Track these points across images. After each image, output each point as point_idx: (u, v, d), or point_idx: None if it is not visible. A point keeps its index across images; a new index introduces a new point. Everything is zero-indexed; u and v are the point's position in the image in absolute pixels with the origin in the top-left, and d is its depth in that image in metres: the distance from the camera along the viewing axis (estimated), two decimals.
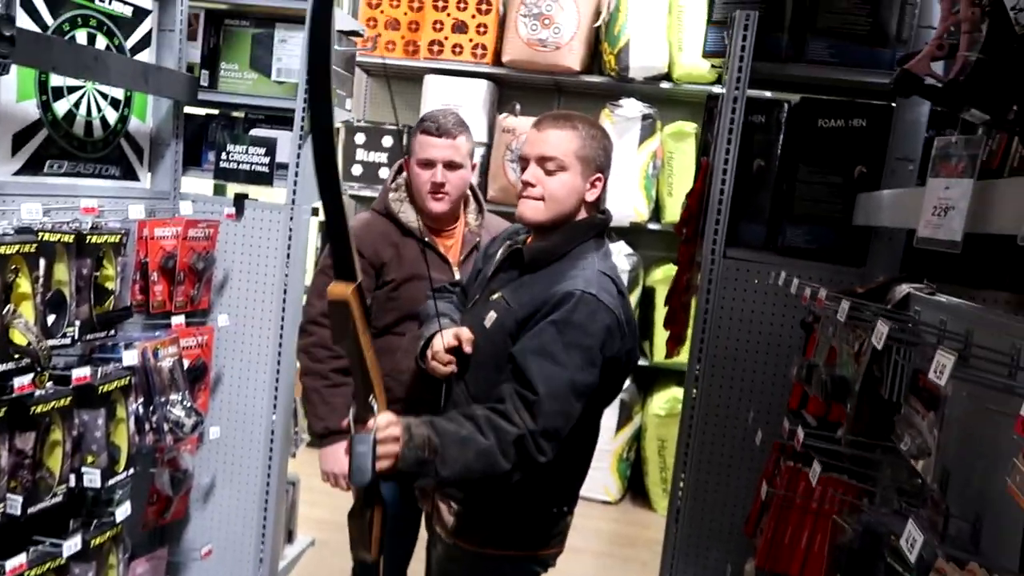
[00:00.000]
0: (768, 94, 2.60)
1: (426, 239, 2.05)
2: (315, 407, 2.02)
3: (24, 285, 1.65)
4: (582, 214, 1.65)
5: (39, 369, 1.66)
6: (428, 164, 2.02)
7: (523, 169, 1.65)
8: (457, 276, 2.07)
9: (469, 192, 2.18)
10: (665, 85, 4.25)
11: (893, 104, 2.24)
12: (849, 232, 2.24)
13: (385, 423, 1.41)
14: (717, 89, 3.73)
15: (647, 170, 4.52)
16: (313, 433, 2.05)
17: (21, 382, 1.62)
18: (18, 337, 1.61)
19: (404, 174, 2.14)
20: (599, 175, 1.63)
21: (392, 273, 2.03)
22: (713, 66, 2.99)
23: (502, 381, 1.52)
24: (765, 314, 2.24)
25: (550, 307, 1.52)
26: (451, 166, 2.02)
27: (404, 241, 2.06)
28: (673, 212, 4.30)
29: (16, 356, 1.61)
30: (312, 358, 2.03)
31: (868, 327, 1.44)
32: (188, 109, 2.67)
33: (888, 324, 1.21)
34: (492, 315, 1.61)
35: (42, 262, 1.70)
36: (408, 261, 2.03)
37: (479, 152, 4.51)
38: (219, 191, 2.93)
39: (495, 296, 1.65)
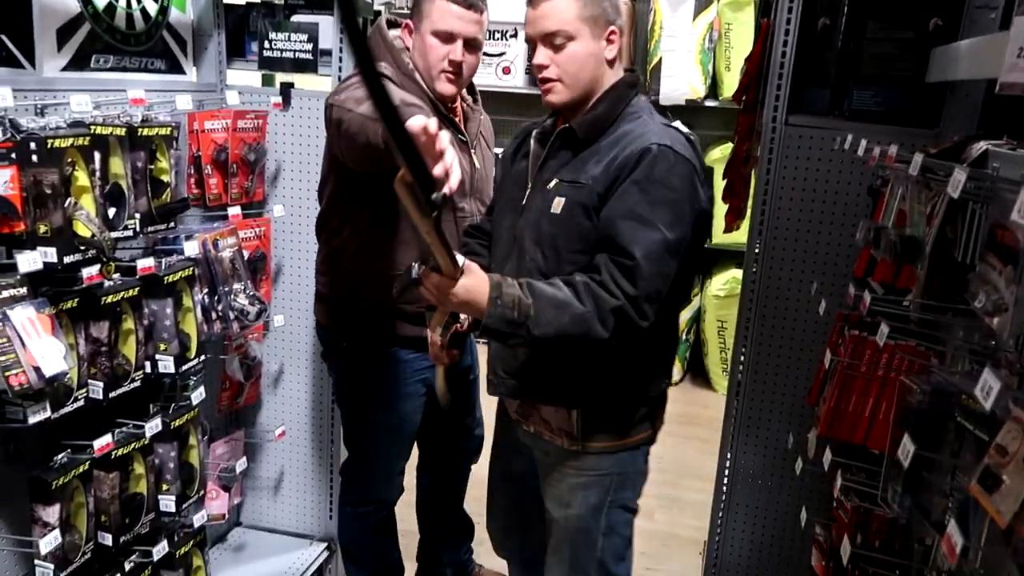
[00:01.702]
0: None
1: (442, 110, 1.89)
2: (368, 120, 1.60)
3: (82, 178, 1.67)
4: (611, 75, 1.58)
5: (105, 259, 1.70)
6: (447, 38, 1.80)
7: (532, 53, 1.56)
8: (475, 159, 1.96)
9: None
10: None
11: None
12: (921, 91, 2.10)
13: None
14: None
15: (703, 43, 4.32)
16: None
17: (89, 273, 1.67)
18: (81, 229, 1.65)
19: (396, 34, 1.91)
20: (612, 28, 1.54)
21: None
22: None
23: (585, 261, 1.49)
24: (830, 182, 2.15)
25: (629, 168, 1.46)
26: (472, 45, 1.83)
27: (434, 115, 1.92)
28: (731, 87, 4.12)
29: (81, 248, 1.65)
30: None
31: (942, 185, 1.36)
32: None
33: (965, 172, 1.13)
34: (559, 200, 1.54)
35: (97, 155, 1.71)
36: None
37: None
38: (267, 82, 2.89)
39: (552, 184, 1.57)
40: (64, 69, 1.92)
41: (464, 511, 2.53)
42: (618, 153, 1.50)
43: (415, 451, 2.36)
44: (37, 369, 1.53)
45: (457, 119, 1.97)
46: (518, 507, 1.91)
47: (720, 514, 2.39)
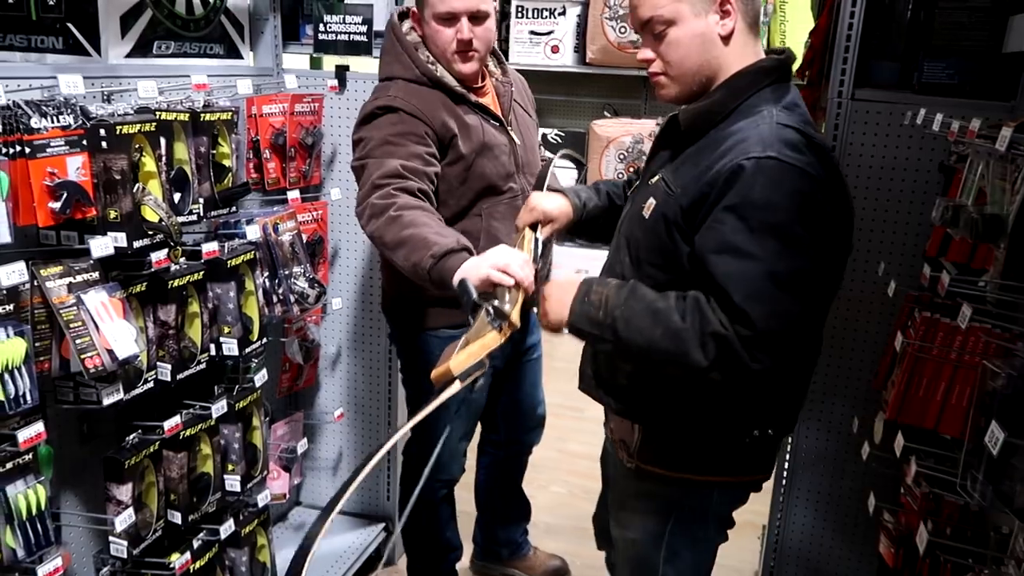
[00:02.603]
0: None
1: (471, 99, 1.86)
2: (417, 243, 1.57)
3: (149, 164, 1.70)
4: (734, 53, 1.32)
5: (172, 244, 1.73)
6: (449, 19, 1.76)
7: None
8: (514, 135, 1.93)
9: None
10: None
11: None
12: (997, 62, 2.02)
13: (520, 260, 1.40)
14: None
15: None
16: (426, 268, 1.56)
17: (157, 257, 1.70)
18: (150, 214, 1.67)
19: (410, 26, 1.90)
20: None
21: (464, 146, 1.83)
22: None
23: (670, 282, 1.30)
24: (898, 159, 2.08)
25: (720, 188, 1.23)
26: (477, 17, 1.76)
27: (459, 109, 1.85)
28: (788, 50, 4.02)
29: (149, 232, 1.68)
30: (382, 210, 1.64)
31: None
32: None
33: None
34: (651, 202, 1.35)
35: (163, 141, 1.74)
36: (473, 132, 1.84)
37: (574, 12, 4.33)
38: (315, 64, 2.90)
39: (654, 179, 1.39)
40: (128, 56, 1.95)
41: (522, 492, 2.54)
42: (714, 162, 1.26)
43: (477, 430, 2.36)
44: (110, 352, 1.56)
45: (488, 96, 1.95)
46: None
47: (781, 498, 2.36)
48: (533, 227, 1.59)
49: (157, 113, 1.73)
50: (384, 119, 1.80)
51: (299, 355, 2.48)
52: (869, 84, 2.13)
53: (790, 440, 2.33)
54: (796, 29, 4.03)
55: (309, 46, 2.55)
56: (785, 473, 2.33)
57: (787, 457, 2.33)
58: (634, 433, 1.46)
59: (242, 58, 2.36)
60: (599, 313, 1.30)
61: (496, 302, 1.36)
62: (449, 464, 2.23)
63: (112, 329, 1.57)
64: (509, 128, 1.94)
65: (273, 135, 2.28)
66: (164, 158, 1.75)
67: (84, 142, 1.54)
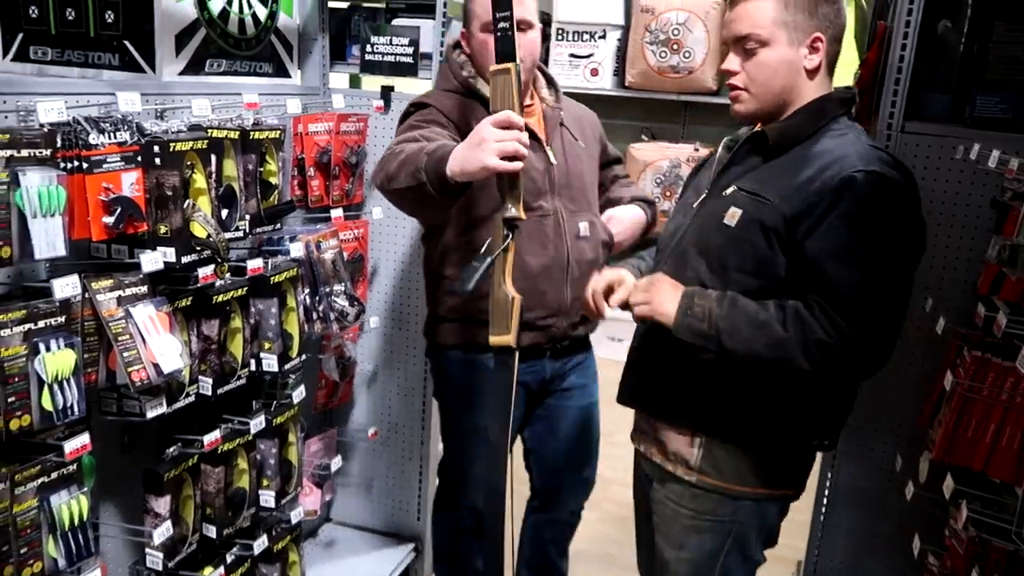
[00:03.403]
0: None
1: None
2: (413, 156, 1.64)
3: (200, 180, 1.72)
4: (813, 87, 1.43)
5: (219, 260, 1.74)
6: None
7: (726, 55, 1.49)
8: (551, 155, 1.91)
9: (537, 69, 1.97)
10: None
11: None
12: None
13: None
14: None
15: None
16: (422, 166, 1.60)
17: (204, 272, 1.72)
18: (198, 230, 1.69)
19: (463, 48, 1.93)
20: (816, 35, 1.39)
21: None
22: None
23: (762, 288, 1.38)
24: (948, 193, 2.05)
25: (830, 198, 1.32)
26: (522, 28, 1.78)
27: None
28: (853, 90, 3.99)
29: (197, 248, 1.70)
30: (386, 159, 1.74)
31: None
32: (331, 3, 2.66)
33: None
34: (735, 211, 1.41)
35: (213, 158, 1.76)
36: None
37: (615, 36, 4.33)
38: (354, 83, 2.93)
39: (730, 190, 1.45)
40: (181, 73, 1.98)
41: (557, 566, 2.29)
42: (816, 175, 1.35)
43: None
44: (156, 365, 1.57)
45: (535, 118, 1.95)
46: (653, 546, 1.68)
47: (819, 533, 2.31)
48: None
49: (209, 131, 1.76)
50: (416, 113, 1.91)
51: (336, 372, 2.49)
52: (919, 117, 2.11)
53: (829, 474, 2.28)
54: (842, 63, 4.00)
55: (355, 66, 2.59)
56: (824, 508, 2.28)
57: (826, 491, 2.28)
58: (694, 446, 1.50)
59: (290, 76, 2.40)
60: (703, 325, 1.37)
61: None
62: (475, 492, 2.15)
63: (158, 343, 1.58)
64: (548, 148, 1.94)
65: (318, 153, 2.31)
66: (214, 175, 1.77)
67: (139, 158, 1.56)
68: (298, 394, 2.15)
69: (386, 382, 2.66)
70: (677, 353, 1.46)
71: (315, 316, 2.20)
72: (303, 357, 2.12)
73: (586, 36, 4.44)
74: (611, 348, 4.49)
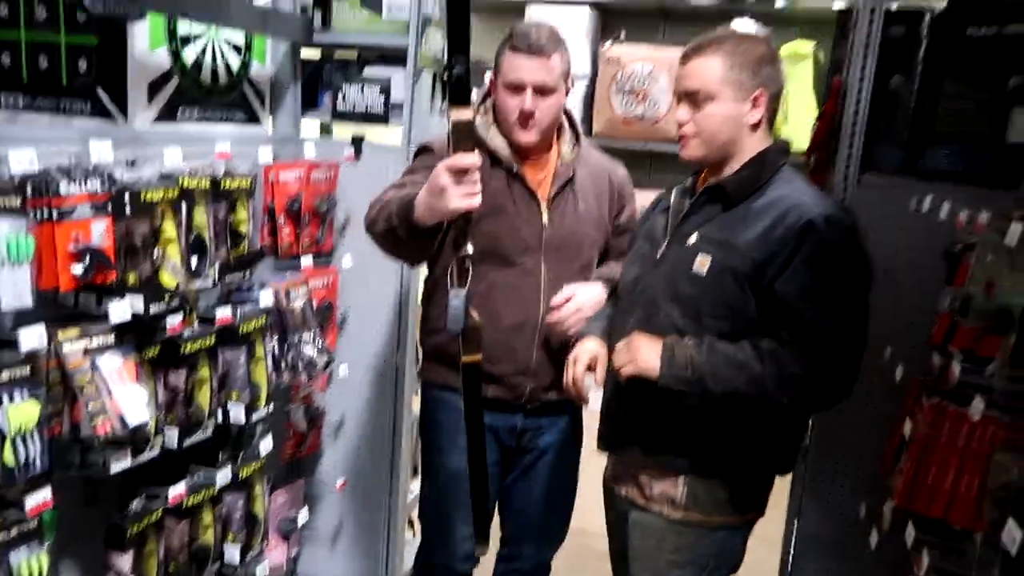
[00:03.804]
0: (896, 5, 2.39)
1: (515, 169, 1.88)
2: (392, 201, 1.76)
3: (170, 229, 1.72)
4: (755, 140, 1.57)
5: (187, 310, 1.74)
6: (516, 88, 1.81)
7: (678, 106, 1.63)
8: (545, 215, 1.90)
9: (564, 119, 1.98)
10: (779, 3, 4.03)
11: None
12: (1001, 151, 2.06)
13: (587, 350, 1.68)
14: (840, 4, 3.50)
15: None
16: (408, 214, 1.69)
17: (172, 322, 1.71)
18: (167, 279, 1.69)
19: (492, 97, 1.94)
20: (759, 92, 1.53)
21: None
22: None
23: (735, 333, 1.50)
24: (903, 242, 2.12)
25: (794, 242, 1.45)
26: (543, 91, 1.81)
27: (492, 171, 1.86)
28: (791, 140, 4.10)
29: (167, 297, 1.69)
30: (372, 206, 1.84)
31: None
32: (303, 53, 2.69)
33: None
34: (704, 259, 1.52)
35: (184, 207, 1.76)
36: (492, 192, 1.81)
37: (582, 84, 4.42)
38: (325, 132, 2.95)
39: (693, 239, 1.57)
40: (154, 121, 1.99)
41: None
42: (776, 221, 1.48)
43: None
44: (121, 417, 1.55)
45: (542, 172, 1.93)
46: None
47: None
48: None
49: (180, 180, 1.76)
50: (418, 158, 1.99)
51: (304, 422, 2.46)
52: (874, 169, 2.19)
53: (795, 522, 2.30)
54: (798, 108, 4.11)
55: (326, 114, 2.61)
56: (791, 557, 2.30)
57: (793, 540, 2.30)
58: (678, 485, 1.59)
59: (261, 124, 2.42)
60: (687, 372, 1.48)
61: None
62: (440, 549, 2.12)
63: (124, 394, 1.56)
64: (546, 207, 1.91)
65: (289, 201, 2.31)
66: (184, 223, 1.77)
67: (109, 207, 1.56)
68: (265, 445, 2.12)
69: (354, 431, 2.63)
70: (654, 400, 1.55)
71: (284, 365, 2.19)
72: (271, 407, 2.10)
73: None
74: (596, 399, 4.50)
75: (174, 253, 1.73)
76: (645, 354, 1.53)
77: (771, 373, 1.45)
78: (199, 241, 1.85)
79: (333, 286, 2.48)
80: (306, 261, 2.28)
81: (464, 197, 1.54)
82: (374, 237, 1.85)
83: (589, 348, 1.75)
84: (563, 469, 2.11)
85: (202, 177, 1.84)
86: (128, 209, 1.60)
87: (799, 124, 4.03)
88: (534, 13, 4.34)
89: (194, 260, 1.83)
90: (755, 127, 1.56)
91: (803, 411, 1.58)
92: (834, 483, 2.25)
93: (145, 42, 1.93)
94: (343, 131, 2.59)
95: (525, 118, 1.83)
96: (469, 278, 1.67)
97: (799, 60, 4.23)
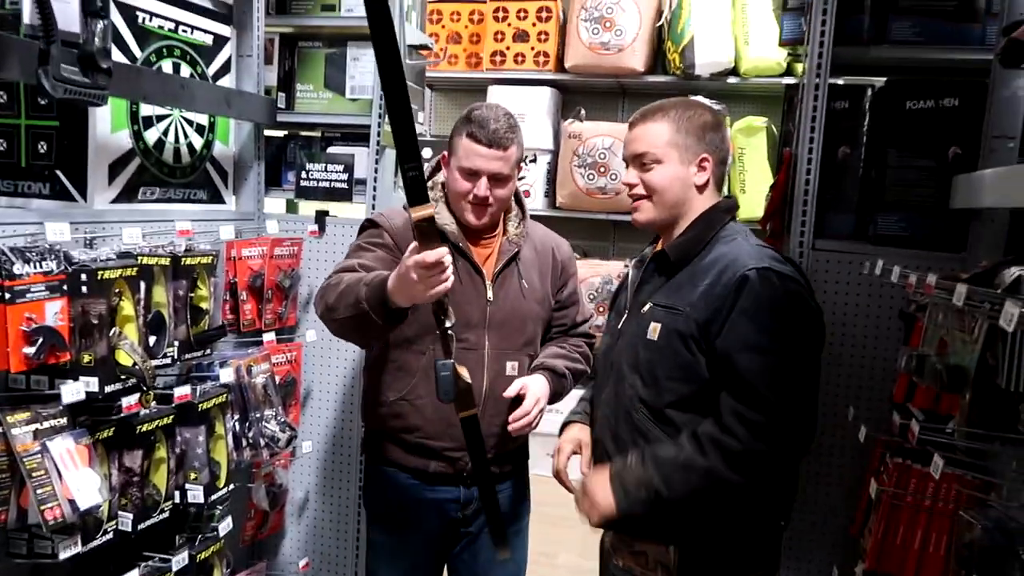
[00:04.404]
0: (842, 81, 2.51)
1: (460, 245, 1.88)
2: (352, 286, 1.69)
3: (128, 308, 1.70)
4: (702, 200, 1.61)
5: (144, 389, 1.71)
6: (471, 174, 1.83)
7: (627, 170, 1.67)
8: (490, 291, 1.90)
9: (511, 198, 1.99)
10: (732, 80, 4.16)
11: (986, 81, 2.14)
12: (946, 217, 2.14)
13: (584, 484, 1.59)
14: (788, 80, 3.65)
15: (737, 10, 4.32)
16: (363, 296, 1.66)
17: (128, 402, 1.67)
18: (124, 358, 1.66)
19: (443, 172, 1.95)
20: (704, 156, 1.59)
21: None
22: (790, 54, 2.91)
23: (693, 393, 1.51)
24: (860, 306, 2.16)
25: (731, 297, 1.47)
26: (497, 180, 1.83)
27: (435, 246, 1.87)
28: (748, 208, 4.19)
29: (123, 377, 1.66)
30: (324, 289, 1.78)
31: (985, 312, 1.37)
32: (267, 131, 2.74)
33: (1019, 305, 1.14)
34: (656, 326, 1.55)
35: (142, 285, 1.75)
36: None
37: (545, 160, 4.52)
38: (291, 209, 2.97)
39: (647, 307, 1.60)
40: (114, 201, 1.99)
41: None
42: (715, 280, 1.50)
43: None
44: (72, 502, 1.50)
45: (488, 249, 1.95)
46: None
47: None
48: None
49: (139, 258, 1.76)
50: (365, 233, 1.96)
51: (266, 501, 2.40)
52: (827, 235, 2.25)
53: None
54: (755, 178, 4.22)
55: (290, 191, 2.64)
56: None
57: None
58: (670, 554, 1.58)
59: (224, 203, 2.43)
60: (641, 493, 1.47)
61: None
62: None
63: (76, 478, 1.52)
64: (491, 283, 1.91)
65: (251, 277, 2.31)
66: (143, 301, 1.76)
67: (64, 287, 1.55)
68: (225, 526, 2.06)
69: (319, 510, 2.57)
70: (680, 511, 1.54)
71: (245, 443, 2.15)
72: (231, 487, 2.05)
73: None
74: (551, 464, 4.44)
75: (132, 332, 1.72)
76: (600, 497, 1.54)
77: (716, 459, 1.43)
78: (158, 319, 1.84)
79: (297, 361, 2.46)
80: (268, 336, 2.27)
81: (438, 284, 1.54)
82: (332, 323, 1.77)
83: (572, 436, 1.77)
84: (510, 536, 2.05)
85: (161, 255, 1.84)
86: (84, 288, 1.59)
87: (756, 194, 4.14)
88: (496, 92, 4.46)
89: (153, 338, 1.82)
90: (702, 188, 1.61)
91: (765, 478, 1.48)
92: (807, 547, 2.22)
93: (107, 124, 1.95)
94: (308, 208, 2.61)
95: (479, 203, 1.86)
96: (454, 349, 1.67)
97: (754, 133, 4.37)
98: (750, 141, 4.39)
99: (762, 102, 4.29)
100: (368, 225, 1.98)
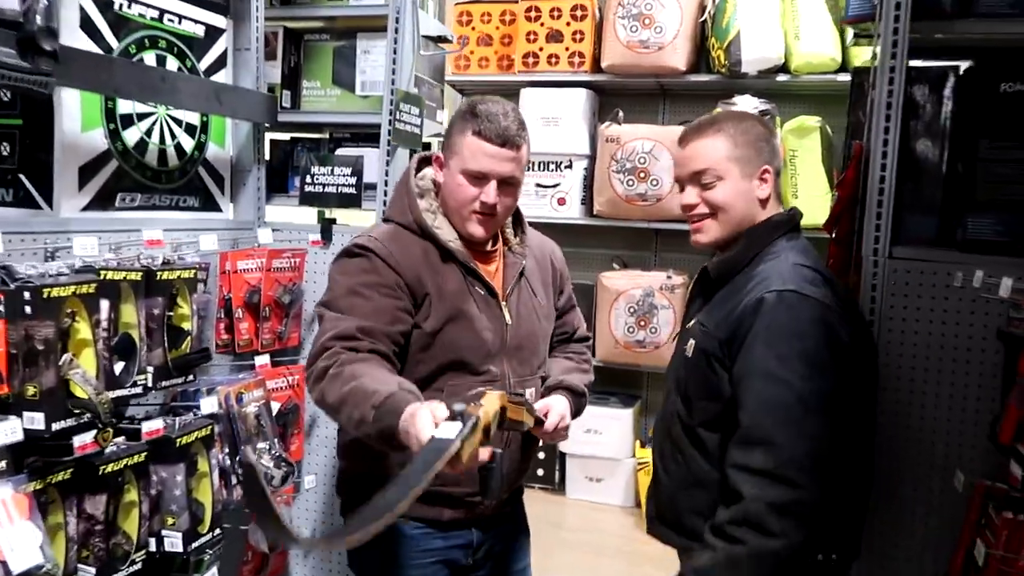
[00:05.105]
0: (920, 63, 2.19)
1: (470, 265, 1.60)
2: (358, 395, 1.37)
3: (84, 330, 1.47)
4: (765, 214, 1.55)
5: (100, 425, 1.46)
6: (479, 178, 1.56)
7: (680, 192, 1.59)
8: (507, 315, 1.64)
9: None
10: (782, 78, 3.88)
11: None
12: None
13: None
14: (842, 77, 3.33)
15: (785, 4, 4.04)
16: (370, 422, 1.35)
17: (81, 441, 1.44)
18: (77, 390, 1.42)
19: (430, 171, 1.68)
20: (765, 168, 1.53)
21: (435, 310, 1.56)
22: (857, 34, 2.59)
23: (721, 413, 1.44)
24: (948, 324, 1.83)
25: (748, 319, 1.40)
26: (508, 184, 1.58)
27: (444, 268, 1.60)
28: (797, 210, 3.89)
29: (76, 411, 1.42)
30: (324, 371, 1.44)
31: None
32: (274, 135, 2.51)
33: None
34: (692, 343, 1.51)
35: (104, 304, 1.52)
36: (449, 295, 1.57)
37: (581, 165, 4.26)
38: (321, 217, 2.74)
39: (691, 324, 1.57)
40: (85, 209, 1.77)
41: None
42: (741, 300, 1.44)
43: None
44: (4, 564, 1.26)
45: (493, 264, 1.69)
46: None
47: None
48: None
49: (102, 273, 1.52)
50: (356, 263, 1.57)
51: (264, 543, 2.15)
52: (905, 240, 1.92)
53: None
54: (808, 183, 3.91)
55: (296, 198, 2.40)
56: None
57: None
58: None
59: (220, 211, 2.20)
60: None
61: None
62: None
63: (9, 535, 1.28)
64: (504, 305, 1.66)
65: (247, 292, 2.08)
66: (104, 323, 1.52)
67: (2, 308, 1.31)
68: None
69: (325, 552, 2.31)
70: (687, 496, 1.51)
71: (235, 480, 1.90)
72: (217, 532, 1.80)
73: (552, 166, 4.36)
74: (591, 488, 4.15)
75: (88, 358, 1.48)
76: None
77: (753, 540, 1.32)
78: (126, 342, 1.60)
79: (300, 385, 2.21)
80: (263, 360, 2.02)
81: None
82: (320, 406, 1.47)
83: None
84: (520, 570, 1.84)
85: (130, 269, 1.61)
86: (27, 308, 1.35)
87: (810, 199, 3.83)
88: (529, 96, 4.23)
89: (119, 365, 1.58)
90: (764, 202, 1.54)
91: (808, 516, 1.34)
92: None
93: (76, 123, 1.74)
94: (312, 216, 2.37)
95: (487, 211, 1.58)
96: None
97: (806, 134, 4.06)
98: (802, 142, 4.08)
99: (814, 101, 3.99)
100: (358, 252, 1.58)
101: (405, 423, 1.27)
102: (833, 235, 2.12)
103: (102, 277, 1.52)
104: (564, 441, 1.70)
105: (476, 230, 1.60)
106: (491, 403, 1.23)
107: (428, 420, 1.21)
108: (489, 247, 1.67)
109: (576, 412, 1.71)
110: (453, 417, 1.18)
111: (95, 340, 1.49)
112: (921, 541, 1.85)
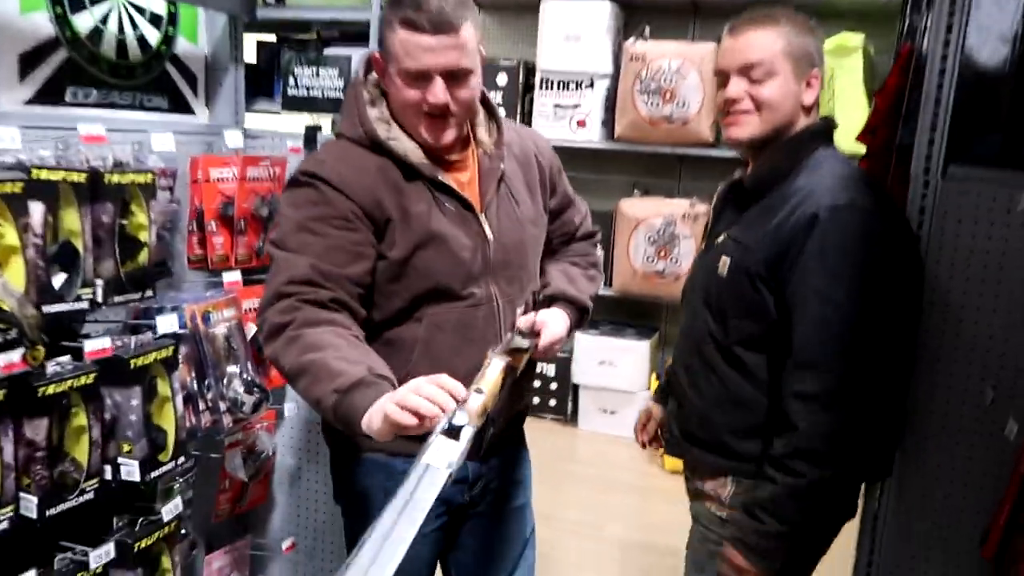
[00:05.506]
0: None
1: (438, 178, 1.39)
2: (319, 371, 1.23)
3: (9, 235, 1.29)
4: (805, 121, 1.47)
5: (28, 343, 1.30)
6: (420, 77, 1.32)
7: (721, 86, 1.47)
8: (488, 229, 1.44)
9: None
10: None
11: None
12: None
13: None
14: None
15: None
16: (329, 406, 1.22)
17: (8, 359, 1.27)
18: (2, 301, 1.26)
19: (383, 83, 1.41)
20: (814, 71, 1.45)
21: (400, 237, 1.37)
22: None
23: (762, 332, 1.42)
24: (1008, 254, 1.60)
25: (801, 238, 1.35)
26: (455, 77, 1.34)
27: (407, 185, 1.39)
28: (837, 140, 3.62)
29: (2, 327, 1.26)
30: (279, 328, 1.28)
31: None
32: (261, 35, 2.29)
33: None
34: (725, 260, 1.45)
35: (36, 207, 1.34)
36: (416, 216, 1.38)
37: (603, 85, 3.99)
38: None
39: (720, 239, 1.50)
40: (29, 102, 1.58)
41: None
42: (787, 216, 1.38)
43: None
44: None
45: (466, 172, 1.47)
46: None
47: None
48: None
49: (33, 171, 1.34)
50: (303, 193, 1.36)
51: (242, 470, 2.01)
52: (962, 159, 1.68)
53: None
54: (847, 105, 3.64)
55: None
56: None
57: None
58: (727, 485, 1.53)
59: (193, 113, 2.00)
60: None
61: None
62: None
63: None
64: (483, 218, 1.46)
65: (222, 204, 1.89)
66: (38, 228, 1.34)
67: None
68: (172, 508, 1.68)
69: (310, 480, 2.18)
70: (720, 406, 1.50)
71: (203, 406, 1.75)
72: (181, 460, 1.66)
73: (572, 85, 4.10)
74: (604, 421, 4.01)
75: (16, 268, 1.31)
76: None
77: (809, 472, 1.35)
78: (68, 250, 1.43)
79: None
80: (232, 276, 1.85)
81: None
82: (273, 365, 1.33)
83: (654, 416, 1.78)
84: (520, 512, 1.71)
85: (72, 170, 1.42)
86: None
87: (847, 122, 3.55)
88: (549, 10, 3.96)
89: (60, 276, 1.41)
90: (809, 109, 1.47)
91: (859, 445, 1.37)
92: (914, 569, 1.72)
93: (14, 3, 1.53)
94: (295, 122, 2.16)
95: (438, 113, 1.36)
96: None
97: (848, 53, 3.76)
98: (842, 62, 3.78)
99: (856, 17, 3.70)
100: (304, 181, 1.37)
101: (370, 420, 1.15)
102: (867, 148, 1.87)
103: (34, 176, 1.33)
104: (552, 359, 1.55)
105: (430, 136, 1.37)
106: (492, 383, 1.17)
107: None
108: (458, 153, 1.44)
109: (577, 324, 1.59)
110: (449, 431, 1.08)
111: (24, 247, 1.31)
112: (960, 494, 1.67)
